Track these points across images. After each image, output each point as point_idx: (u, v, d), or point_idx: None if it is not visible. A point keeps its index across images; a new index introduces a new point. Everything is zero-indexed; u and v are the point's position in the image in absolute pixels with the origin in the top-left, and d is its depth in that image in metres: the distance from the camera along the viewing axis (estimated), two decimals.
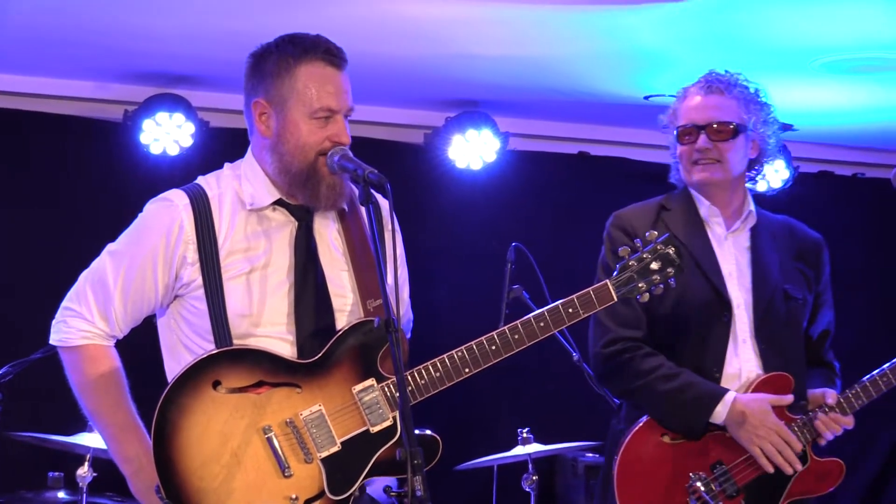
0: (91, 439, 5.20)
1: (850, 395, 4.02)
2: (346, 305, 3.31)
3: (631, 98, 7.13)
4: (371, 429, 3.23)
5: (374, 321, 3.15)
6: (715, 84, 4.06)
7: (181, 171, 6.64)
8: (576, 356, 5.11)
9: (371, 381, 3.24)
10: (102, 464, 5.37)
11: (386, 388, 3.24)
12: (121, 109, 6.67)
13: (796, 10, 5.63)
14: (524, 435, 5.85)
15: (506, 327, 3.34)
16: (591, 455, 6.72)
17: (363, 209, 3.14)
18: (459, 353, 3.29)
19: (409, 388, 3.23)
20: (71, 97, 6.75)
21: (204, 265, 3.25)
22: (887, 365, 4.05)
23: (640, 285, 3.46)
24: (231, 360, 3.20)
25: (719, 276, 4.00)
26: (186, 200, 3.28)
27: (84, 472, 5.20)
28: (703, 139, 4.01)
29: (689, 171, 4.07)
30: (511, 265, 5.43)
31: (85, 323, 3.31)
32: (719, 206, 4.08)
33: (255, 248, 3.28)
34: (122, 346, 3.41)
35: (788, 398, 3.94)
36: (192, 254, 3.25)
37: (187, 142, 6.64)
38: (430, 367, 3.27)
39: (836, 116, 7.38)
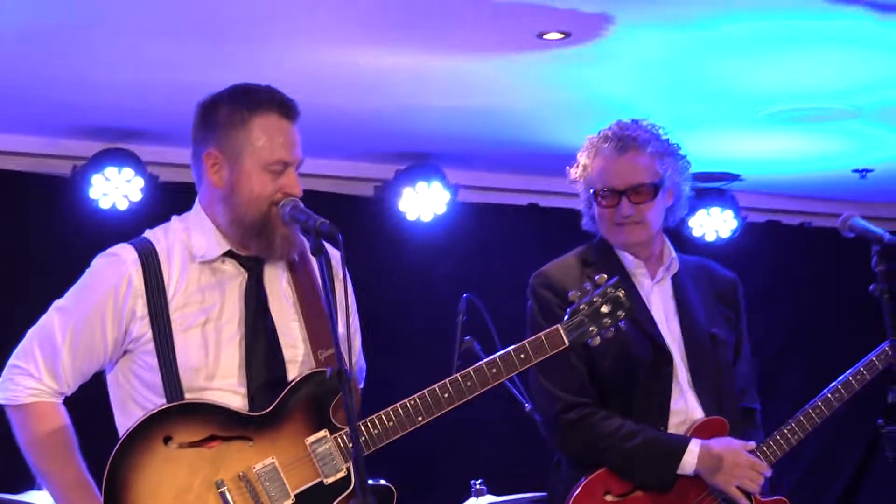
0: (40, 497, 5.14)
1: (768, 445, 4.03)
2: (297, 356, 3.30)
3: (578, 149, 7.17)
4: (325, 480, 3.20)
5: (325, 371, 3.14)
6: (629, 141, 3.99)
7: (131, 225, 6.52)
8: (528, 406, 5.10)
9: (324, 433, 3.22)
10: None
11: (339, 439, 3.22)
12: (69, 164, 6.64)
13: (741, 61, 5.70)
14: (477, 486, 5.83)
15: (458, 374, 3.34)
16: None
17: (313, 259, 3.13)
18: (412, 402, 3.28)
19: (363, 437, 3.21)
20: (17, 153, 6.70)
21: (153, 319, 3.22)
22: (800, 412, 4.05)
23: (591, 329, 3.46)
24: (181, 414, 3.17)
25: (655, 329, 4.00)
26: (135, 255, 3.26)
27: None
28: (624, 205, 3.96)
29: (610, 232, 4.04)
30: (462, 316, 5.43)
31: (32, 380, 3.25)
32: (642, 259, 4.07)
33: (205, 301, 3.26)
34: (71, 402, 3.37)
35: (751, 443, 3.96)
36: (142, 308, 3.23)
37: (136, 196, 6.61)
38: (384, 417, 3.26)
39: (783, 166, 7.46)
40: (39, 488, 5.12)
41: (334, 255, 3.31)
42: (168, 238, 3.31)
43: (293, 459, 3.20)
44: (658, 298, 4.06)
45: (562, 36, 5.34)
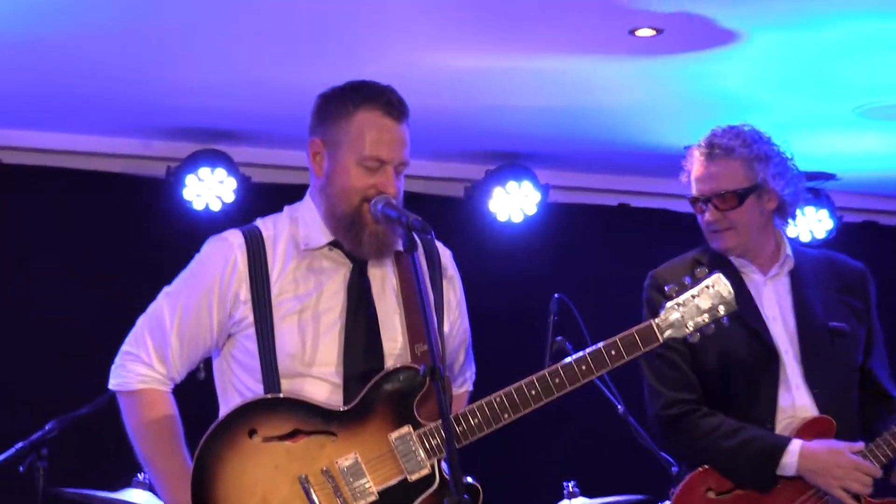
0: (137, 495, 5.19)
1: (878, 445, 3.95)
2: (396, 349, 3.29)
3: (671, 148, 7.11)
4: (409, 477, 3.19)
5: (411, 367, 3.14)
6: (717, 148, 3.99)
7: (224, 226, 6.58)
8: (621, 408, 5.07)
9: (407, 429, 3.21)
10: None
11: (423, 436, 3.20)
12: (163, 166, 6.72)
13: (839, 57, 5.62)
14: (570, 489, 5.80)
15: (546, 371, 3.27)
16: None
17: (422, 254, 3.13)
18: (498, 399, 3.24)
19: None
20: (114, 154, 6.81)
21: (255, 304, 3.25)
22: None
23: (688, 324, 3.37)
24: (266, 409, 3.19)
25: (762, 325, 3.97)
26: (241, 239, 3.30)
27: None
28: (710, 211, 3.98)
29: (708, 239, 4.07)
30: (554, 317, 5.41)
31: (143, 367, 3.31)
32: (750, 258, 4.06)
33: (308, 289, 3.28)
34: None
35: (859, 445, 3.90)
36: (245, 292, 3.25)
37: (229, 197, 6.67)
38: (468, 414, 3.22)
39: (880, 163, 7.34)
40: (136, 486, 5.21)
41: (444, 252, 3.39)
42: (277, 226, 3.35)
43: (376, 455, 3.19)
44: (772, 294, 4.04)
45: (654, 33, 5.30)
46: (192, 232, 6.61)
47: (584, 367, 3.29)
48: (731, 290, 3.42)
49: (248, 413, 3.18)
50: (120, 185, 6.76)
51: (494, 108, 6.38)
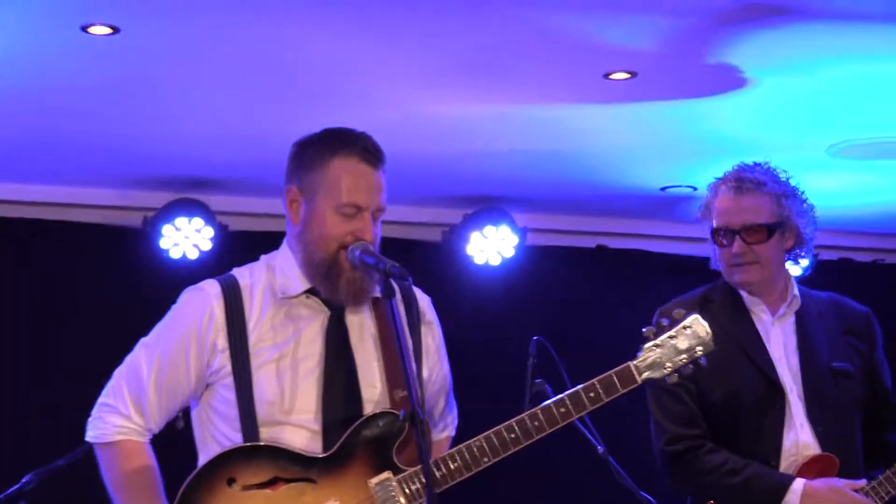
0: None
1: (881, 483, 3.97)
2: (375, 395, 3.29)
3: (647, 189, 7.16)
4: None
5: (394, 413, 3.13)
6: (746, 183, 4.03)
7: (202, 274, 6.52)
8: (601, 449, 5.05)
9: (387, 474, 3.21)
10: None
11: (403, 481, 3.19)
12: (140, 216, 6.71)
13: (813, 98, 5.66)
14: None
15: (525, 414, 3.27)
16: None
17: (399, 300, 3.13)
18: (478, 443, 3.24)
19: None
20: (89, 205, 6.80)
21: (233, 352, 3.24)
22: None
23: (666, 366, 3.38)
24: (245, 457, 3.18)
25: (769, 364, 4.01)
26: (218, 289, 3.29)
27: None
28: (738, 244, 4.00)
29: (728, 272, 4.08)
30: (533, 359, 5.39)
31: (120, 418, 3.28)
32: (762, 296, 4.09)
33: (286, 336, 3.27)
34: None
35: (860, 483, 3.93)
36: (223, 341, 3.25)
37: (207, 246, 6.67)
38: (448, 458, 3.22)
39: (855, 202, 7.38)
40: None
41: (423, 297, 3.40)
42: (253, 275, 3.34)
43: (356, 501, 3.18)
44: (779, 334, 4.07)
45: (628, 76, 5.33)
46: (170, 281, 6.57)
47: (562, 410, 3.30)
48: (710, 331, 3.43)
49: (227, 462, 3.17)
50: (96, 235, 6.75)
51: (471, 152, 6.40)
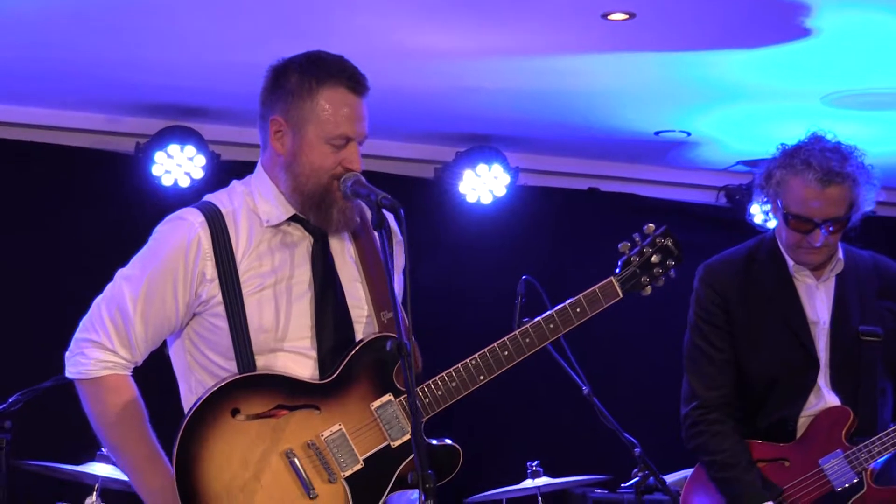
0: (100, 469, 5.20)
1: (857, 449, 4.05)
2: (362, 317, 3.32)
3: (641, 134, 7.15)
4: (392, 443, 3.24)
5: (391, 337, 3.11)
6: (833, 176, 3.98)
7: (192, 203, 6.64)
8: (586, 389, 5.08)
9: (388, 397, 3.25)
10: (111, 494, 5.36)
11: (404, 402, 3.23)
12: (132, 142, 6.70)
13: (809, 46, 5.65)
14: (534, 468, 5.84)
15: (517, 331, 3.36)
16: (599, 491, 6.69)
17: (369, 218, 3.14)
18: (473, 361, 3.31)
19: (427, 399, 3.25)
20: (82, 129, 6.78)
21: (223, 281, 3.22)
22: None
23: (643, 279, 3.49)
24: (247, 386, 3.19)
25: (807, 334, 4.09)
26: (202, 218, 3.25)
27: (92, 501, 5.20)
28: (820, 236, 4.00)
29: (796, 254, 4.10)
30: (521, 298, 5.40)
31: (105, 353, 3.24)
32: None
33: (274, 264, 3.27)
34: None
35: None
36: (211, 270, 3.22)
37: (198, 174, 6.66)
38: (446, 377, 3.29)
39: None
40: (99, 460, 5.21)
41: (388, 216, 3.29)
42: (233, 201, 3.31)
43: (360, 425, 3.23)
44: (824, 299, 4.13)
45: (626, 17, 5.31)
46: (161, 209, 6.50)
47: (552, 326, 3.39)
48: (679, 244, 3.53)
49: (229, 393, 3.16)
50: (88, 160, 6.74)
51: (465, 90, 6.38)
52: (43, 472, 5.42)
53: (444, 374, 3.29)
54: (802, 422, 4.07)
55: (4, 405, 5.06)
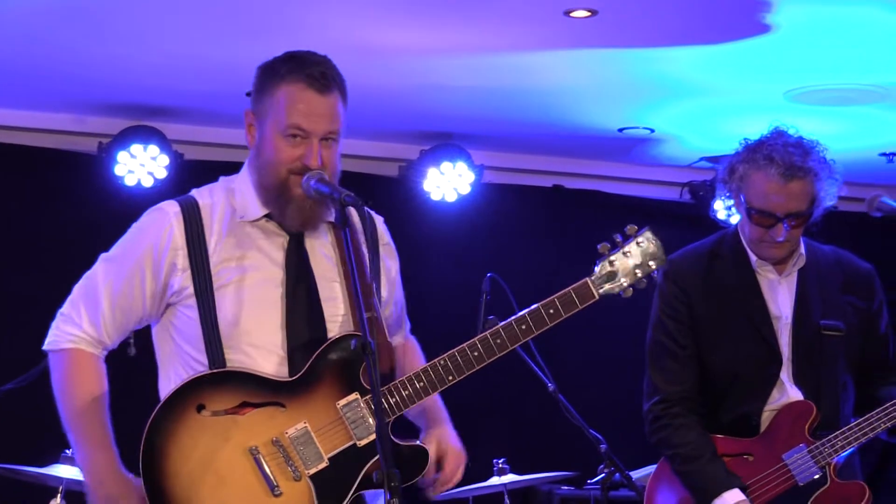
0: (64, 470, 5.16)
1: (821, 443, 4.06)
2: (337, 316, 3.33)
3: (605, 130, 7.17)
4: (358, 443, 3.23)
5: (358, 336, 3.13)
6: (796, 171, 3.98)
7: (156, 203, 6.62)
8: (551, 387, 5.10)
9: (355, 395, 3.24)
10: (75, 496, 5.33)
11: (369, 401, 3.22)
12: (95, 142, 6.66)
13: (771, 42, 5.68)
14: (500, 465, 5.84)
15: (487, 332, 3.32)
16: (566, 487, 6.71)
17: (357, 223, 3.15)
18: (442, 362, 3.28)
19: (394, 399, 3.24)
20: (45, 129, 6.74)
21: (195, 272, 3.26)
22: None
23: (622, 281, 3.41)
24: (214, 383, 3.21)
25: (770, 329, 4.09)
26: (177, 209, 3.31)
27: (56, 503, 5.16)
28: (782, 231, 4.00)
29: (758, 248, 4.10)
30: (486, 296, 5.42)
31: (74, 327, 3.32)
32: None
33: (247, 259, 3.30)
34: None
35: None
36: (182, 260, 3.27)
37: (162, 174, 6.64)
38: (414, 378, 3.26)
39: None
40: (63, 462, 5.17)
41: (378, 220, 3.44)
42: (213, 196, 3.36)
43: (325, 423, 3.23)
44: (786, 293, 4.13)
45: (589, 14, 5.32)
46: (124, 209, 6.52)
47: (523, 327, 3.33)
48: (661, 245, 3.48)
49: (196, 388, 3.20)
50: (51, 160, 6.70)
51: (429, 87, 6.38)
52: (6, 475, 5.38)
53: (412, 374, 3.27)
54: (766, 416, 4.07)
55: None
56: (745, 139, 4.13)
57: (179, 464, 3.16)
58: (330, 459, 3.22)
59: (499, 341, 3.31)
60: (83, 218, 6.51)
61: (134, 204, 6.41)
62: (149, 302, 3.30)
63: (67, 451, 5.16)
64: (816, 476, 4.02)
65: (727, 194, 4.14)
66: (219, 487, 3.16)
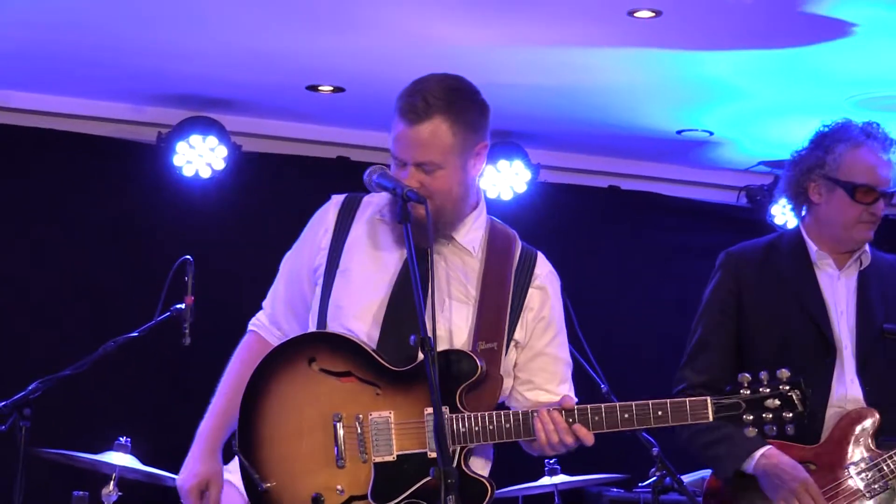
0: (117, 458, 5.20)
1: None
2: (442, 332, 3.33)
3: (663, 132, 7.13)
4: (429, 453, 3.27)
5: (474, 358, 3.24)
6: (890, 144, 4.02)
7: (213, 194, 6.66)
8: (604, 388, 5.08)
9: (445, 409, 3.23)
10: (128, 483, 5.37)
11: (455, 419, 3.26)
12: (154, 132, 6.70)
13: (834, 46, 5.63)
14: (551, 466, 5.83)
15: (588, 406, 3.29)
16: (616, 490, 6.69)
17: (516, 255, 3.33)
18: (510, 418, 3.29)
19: (476, 427, 3.26)
20: (105, 118, 6.79)
21: (330, 252, 3.43)
22: None
23: (746, 417, 3.30)
24: (330, 343, 3.33)
25: (826, 319, 4.04)
26: (343, 198, 3.53)
27: (109, 490, 5.20)
28: (881, 206, 4.01)
29: (856, 229, 4.05)
30: None
31: (260, 312, 3.57)
32: (839, 252, 4.10)
33: (371, 253, 3.42)
34: None
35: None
36: (326, 240, 3.45)
37: (220, 165, 6.66)
38: (502, 416, 3.29)
39: None
40: (117, 449, 5.21)
41: (545, 266, 3.61)
42: (378, 196, 3.47)
43: (408, 422, 3.28)
44: (843, 290, 4.09)
45: (653, 14, 5.29)
46: (182, 199, 6.60)
47: (626, 416, 3.29)
48: (807, 400, 3.34)
49: (312, 343, 3.35)
50: (110, 149, 6.75)
51: (488, 85, 6.28)
52: (60, 461, 5.42)
53: (506, 412, 3.30)
54: (831, 414, 3.98)
55: (23, 393, 5.05)
56: (816, 132, 4.09)
57: (274, 403, 3.31)
58: (398, 456, 3.27)
59: (597, 418, 3.29)
60: (141, 207, 6.54)
61: (191, 194, 6.54)
62: (307, 281, 3.48)
63: (121, 439, 5.21)
64: (884, 488, 3.95)
65: (815, 182, 4.06)
66: (296, 438, 3.28)
